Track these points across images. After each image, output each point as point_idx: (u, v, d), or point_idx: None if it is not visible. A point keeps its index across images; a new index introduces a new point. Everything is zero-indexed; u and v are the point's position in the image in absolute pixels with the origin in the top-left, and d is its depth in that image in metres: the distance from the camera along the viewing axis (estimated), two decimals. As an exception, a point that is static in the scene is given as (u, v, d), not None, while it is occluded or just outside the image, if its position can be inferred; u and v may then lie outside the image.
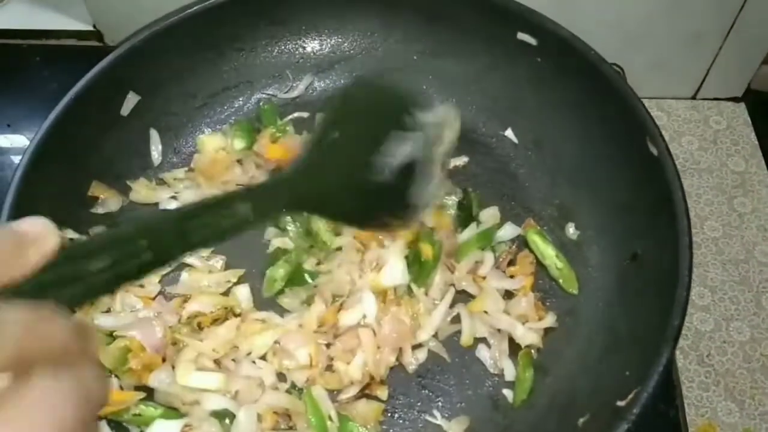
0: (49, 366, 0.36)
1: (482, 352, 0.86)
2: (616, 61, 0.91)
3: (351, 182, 0.59)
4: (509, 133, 1.01)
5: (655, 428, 0.86)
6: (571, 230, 0.93)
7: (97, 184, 0.92)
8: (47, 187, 0.86)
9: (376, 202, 0.60)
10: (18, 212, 0.81)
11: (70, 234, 0.88)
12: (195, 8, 0.96)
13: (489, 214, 0.94)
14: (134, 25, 0.98)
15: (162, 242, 0.47)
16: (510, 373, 0.84)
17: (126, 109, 0.96)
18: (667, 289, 0.75)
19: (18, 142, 1.14)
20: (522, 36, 0.95)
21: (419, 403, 0.83)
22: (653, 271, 0.81)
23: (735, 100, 1.19)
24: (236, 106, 1.05)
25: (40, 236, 0.41)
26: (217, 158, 0.98)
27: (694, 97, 1.20)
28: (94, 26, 1.21)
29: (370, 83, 0.69)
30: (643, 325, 0.77)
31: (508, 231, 0.93)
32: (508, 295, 0.89)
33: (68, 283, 0.42)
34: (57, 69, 1.19)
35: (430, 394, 0.84)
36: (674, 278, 0.74)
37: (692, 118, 1.17)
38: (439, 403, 0.83)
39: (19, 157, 0.85)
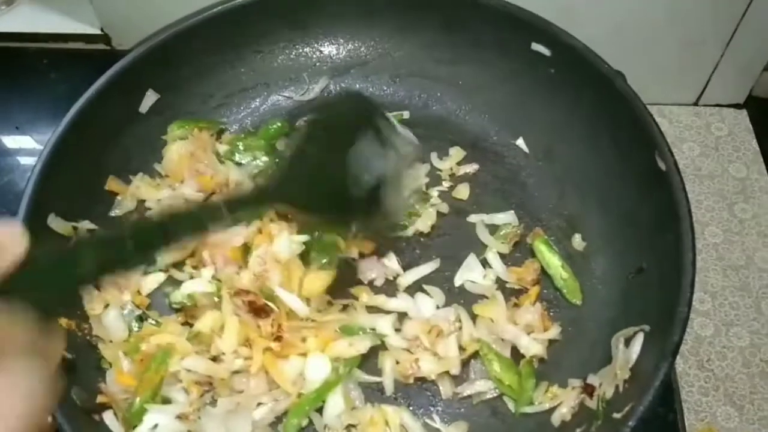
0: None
1: (484, 359, 0.86)
2: (618, 66, 0.92)
3: (325, 194, 0.70)
4: (520, 142, 1.02)
5: (654, 433, 0.86)
6: (577, 241, 0.94)
7: (113, 179, 0.94)
8: (65, 180, 0.88)
9: (347, 210, 0.73)
10: (36, 205, 0.83)
11: (88, 226, 0.90)
12: (216, 10, 0.99)
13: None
14: (141, 29, 0.99)
15: (144, 236, 0.55)
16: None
17: (145, 106, 0.98)
18: (668, 304, 0.75)
19: (26, 144, 1.14)
20: (536, 47, 0.96)
21: (420, 408, 0.84)
22: (656, 285, 0.81)
23: (737, 106, 1.19)
24: (253, 107, 1.07)
25: (10, 243, 0.43)
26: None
27: (695, 104, 1.19)
28: (102, 30, 1.21)
29: (345, 100, 0.80)
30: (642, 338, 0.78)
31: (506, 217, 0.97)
32: (515, 298, 0.89)
33: (43, 285, 0.46)
34: (64, 72, 1.20)
35: (431, 397, 0.85)
36: (676, 294, 0.75)
37: (694, 124, 1.17)
38: (439, 408, 0.84)
39: (27, 159, 0.84)
